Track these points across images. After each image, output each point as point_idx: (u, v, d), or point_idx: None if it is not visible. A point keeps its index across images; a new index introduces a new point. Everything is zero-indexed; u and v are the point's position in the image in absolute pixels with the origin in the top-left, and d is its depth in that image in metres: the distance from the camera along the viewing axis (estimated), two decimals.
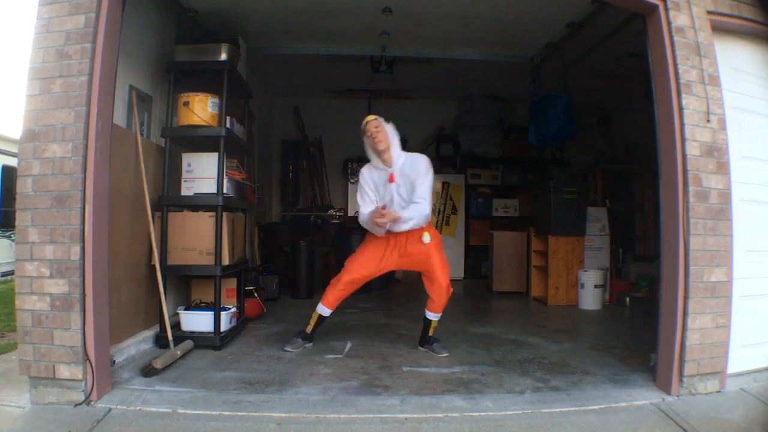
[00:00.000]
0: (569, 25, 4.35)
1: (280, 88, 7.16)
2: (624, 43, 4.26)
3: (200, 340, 3.38)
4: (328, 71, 6.30)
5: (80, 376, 2.37)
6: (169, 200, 3.48)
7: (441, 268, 3.34)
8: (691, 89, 2.71)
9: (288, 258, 5.89)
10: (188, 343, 3.27)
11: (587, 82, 5.62)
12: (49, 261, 2.37)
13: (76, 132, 2.39)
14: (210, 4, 3.98)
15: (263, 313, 4.43)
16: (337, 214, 7.18)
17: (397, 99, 7.36)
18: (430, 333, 3.50)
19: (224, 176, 3.53)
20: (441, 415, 2.36)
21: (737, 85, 2.91)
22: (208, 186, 3.53)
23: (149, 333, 3.45)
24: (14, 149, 6.44)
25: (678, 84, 2.70)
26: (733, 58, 2.93)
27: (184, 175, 3.59)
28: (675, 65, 2.71)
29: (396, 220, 3.16)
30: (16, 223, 2.42)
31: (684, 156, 2.66)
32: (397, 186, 3.34)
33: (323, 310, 3.44)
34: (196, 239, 3.46)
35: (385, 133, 3.33)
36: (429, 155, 3.56)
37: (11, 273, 7.11)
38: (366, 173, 3.44)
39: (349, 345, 3.59)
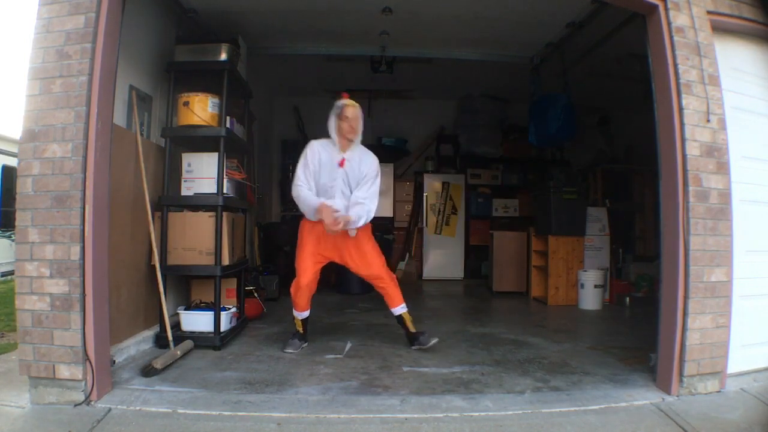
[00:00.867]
0: (569, 25, 4.35)
1: (280, 88, 7.16)
2: (624, 43, 4.25)
3: (200, 340, 3.38)
4: (328, 71, 6.30)
5: (80, 376, 2.37)
6: (169, 200, 3.48)
7: (375, 258, 3.37)
8: (691, 89, 2.71)
9: (288, 258, 5.89)
10: (188, 343, 3.27)
11: (587, 82, 5.62)
12: (49, 261, 2.37)
13: (76, 132, 2.39)
14: (210, 4, 3.98)
15: (263, 313, 4.43)
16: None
17: (397, 99, 7.37)
18: (412, 329, 3.47)
19: (224, 176, 3.53)
20: (441, 415, 2.36)
21: (737, 85, 2.91)
22: (208, 186, 3.53)
23: (149, 333, 3.45)
24: (14, 149, 6.45)
25: (678, 84, 2.70)
26: (733, 58, 2.93)
27: (184, 175, 3.59)
28: (675, 65, 2.71)
29: (347, 223, 3.20)
30: (16, 223, 2.42)
31: (684, 156, 2.66)
32: (345, 173, 3.31)
33: (300, 314, 3.48)
34: (196, 239, 3.46)
35: (361, 124, 3.32)
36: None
37: (11, 273, 7.11)
38: (317, 147, 3.35)
39: (349, 345, 3.59)
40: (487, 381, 2.85)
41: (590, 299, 5.13)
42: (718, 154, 2.72)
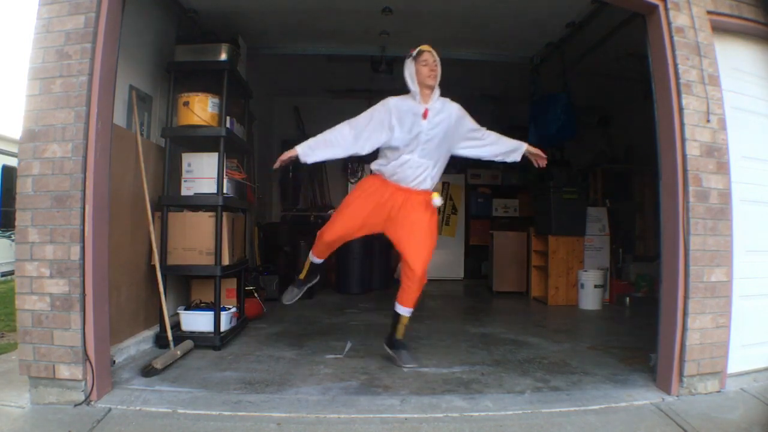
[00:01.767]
0: (569, 25, 4.35)
1: (280, 88, 7.16)
2: (624, 43, 4.26)
3: (200, 340, 3.38)
4: (328, 71, 6.29)
5: (80, 376, 2.37)
6: (169, 200, 3.48)
7: (424, 248, 2.93)
8: (691, 89, 2.70)
9: (288, 258, 5.89)
10: (188, 343, 3.27)
11: (587, 82, 5.61)
12: (49, 261, 2.37)
13: (76, 132, 2.39)
14: (210, 4, 3.98)
15: (263, 313, 4.43)
16: None
17: None
18: (398, 335, 3.11)
19: (224, 176, 3.53)
20: (441, 415, 2.36)
21: (737, 85, 2.90)
22: (208, 186, 3.53)
23: (149, 333, 3.45)
24: (14, 149, 6.44)
25: (678, 84, 2.70)
26: (733, 58, 2.93)
27: (184, 175, 3.59)
28: (675, 65, 2.71)
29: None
30: (16, 223, 2.42)
31: (684, 156, 2.66)
32: (429, 125, 2.95)
33: (315, 259, 3.28)
34: (196, 239, 3.45)
35: (440, 70, 3.01)
36: None
37: (11, 273, 7.11)
38: (396, 101, 3.00)
39: (349, 345, 3.59)
40: (487, 381, 2.85)
41: (590, 299, 5.13)
42: (718, 154, 2.72)
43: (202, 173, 3.56)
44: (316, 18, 4.35)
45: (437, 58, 3.05)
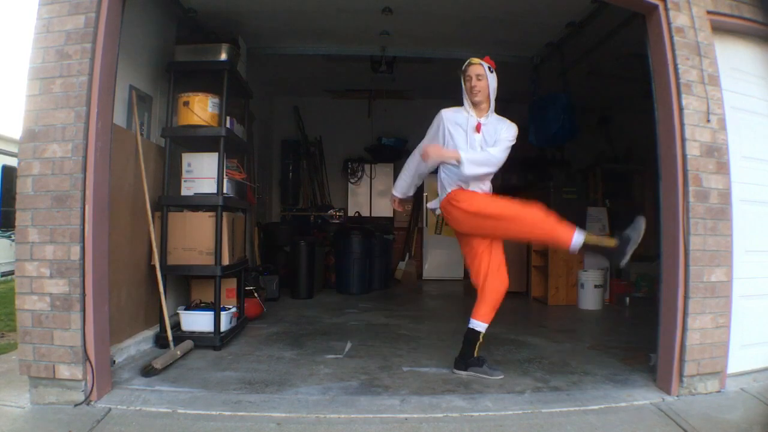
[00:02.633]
0: (569, 25, 4.35)
1: (280, 88, 7.15)
2: (624, 43, 4.25)
3: (200, 340, 3.38)
4: (328, 71, 6.29)
5: (80, 376, 2.37)
6: (169, 200, 3.48)
7: (493, 248, 2.90)
8: (691, 89, 2.70)
9: (288, 258, 5.89)
10: (188, 343, 3.27)
11: (587, 82, 5.61)
12: (49, 261, 2.37)
13: (76, 132, 2.39)
14: (210, 4, 3.97)
15: (263, 313, 4.43)
16: (337, 214, 7.19)
17: (397, 99, 7.35)
18: (475, 352, 2.90)
19: (224, 176, 3.53)
20: (441, 415, 2.36)
21: (737, 85, 2.91)
22: (208, 186, 3.53)
23: (149, 333, 3.45)
24: (14, 149, 6.45)
25: (678, 84, 2.70)
26: (733, 58, 2.93)
27: (184, 175, 3.59)
28: (675, 65, 2.71)
29: (453, 158, 2.76)
30: (16, 223, 2.42)
31: (684, 156, 2.66)
32: (482, 139, 2.92)
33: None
34: (196, 239, 3.46)
35: (485, 83, 2.92)
36: None
37: (11, 273, 7.11)
38: (447, 113, 2.99)
39: (349, 345, 3.59)
40: (487, 381, 2.85)
41: (590, 299, 5.13)
42: (718, 154, 2.72)
43: (202, 173, 3.56)
44: (316, 18, 4.35)
45: (484, 72, 2.94)
